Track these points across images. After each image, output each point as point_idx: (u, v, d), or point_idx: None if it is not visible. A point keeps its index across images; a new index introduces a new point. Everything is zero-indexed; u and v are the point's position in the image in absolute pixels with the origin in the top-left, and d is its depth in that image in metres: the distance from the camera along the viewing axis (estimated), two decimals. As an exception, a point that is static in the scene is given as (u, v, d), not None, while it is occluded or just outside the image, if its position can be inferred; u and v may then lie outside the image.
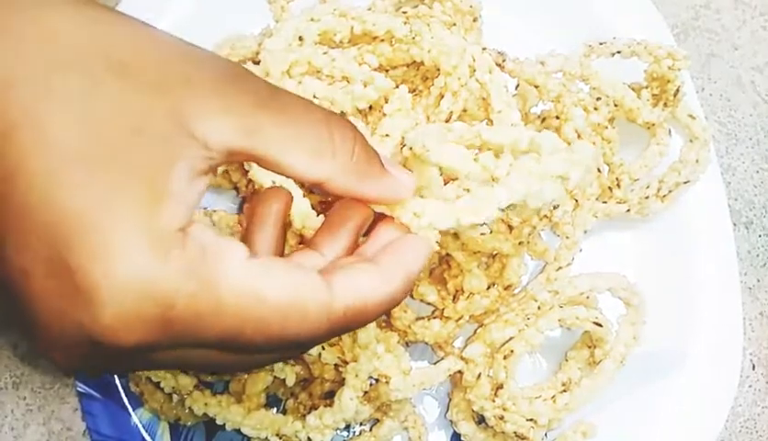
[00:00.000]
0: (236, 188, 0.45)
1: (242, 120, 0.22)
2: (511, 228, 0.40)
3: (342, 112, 0.36)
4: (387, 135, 0.31)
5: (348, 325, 0.24)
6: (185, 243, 0.21)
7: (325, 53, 0.36)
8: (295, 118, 0.24)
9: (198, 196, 0.22)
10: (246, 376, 0.39)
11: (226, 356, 0.23)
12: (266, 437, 0.37)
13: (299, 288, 0.22)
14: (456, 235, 0.39)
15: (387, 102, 0.37)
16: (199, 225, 0.22)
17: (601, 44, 0.47)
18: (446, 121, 0.39)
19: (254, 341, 0.22)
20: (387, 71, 0.41)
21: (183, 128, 0.21)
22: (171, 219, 0.20)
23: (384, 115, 0.35)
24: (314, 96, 0.35)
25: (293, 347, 0.24)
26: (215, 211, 0.44)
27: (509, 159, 0.26)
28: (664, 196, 0.46)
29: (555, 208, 0.41)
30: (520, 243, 0.39)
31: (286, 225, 0.28)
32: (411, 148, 0.26)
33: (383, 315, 0.28)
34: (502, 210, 0.26)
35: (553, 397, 0.42)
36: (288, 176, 0.24)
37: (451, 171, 0.27)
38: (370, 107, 0.40)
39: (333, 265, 0.26)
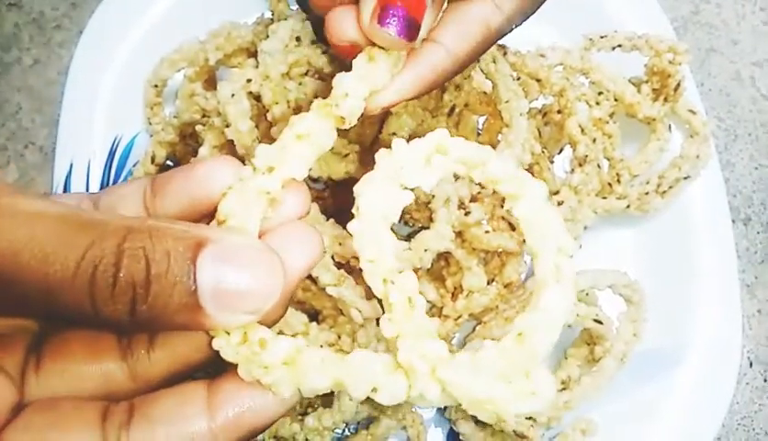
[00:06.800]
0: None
1: None
2: (513, 226, 0.39)
3: None
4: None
5: None
6: None
7: (325, 52, 0.35)
8: None
9: None
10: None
11: None
12: (263, 439, 0.36)
13: None
14: (459, 233, 0.38)
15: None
16: None
17: (602, 37, 0.46)
18: (449, 115, 0.38)
19: None
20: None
21: None
22: None
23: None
24: (315, 96, 0.34)
25: None
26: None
27: None
28: (664, 191, 0.46)
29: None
30: (524, 241, 0.39)
31: None
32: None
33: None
34: None
35: (552, 395, 0.42)
36: None
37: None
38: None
39: None
